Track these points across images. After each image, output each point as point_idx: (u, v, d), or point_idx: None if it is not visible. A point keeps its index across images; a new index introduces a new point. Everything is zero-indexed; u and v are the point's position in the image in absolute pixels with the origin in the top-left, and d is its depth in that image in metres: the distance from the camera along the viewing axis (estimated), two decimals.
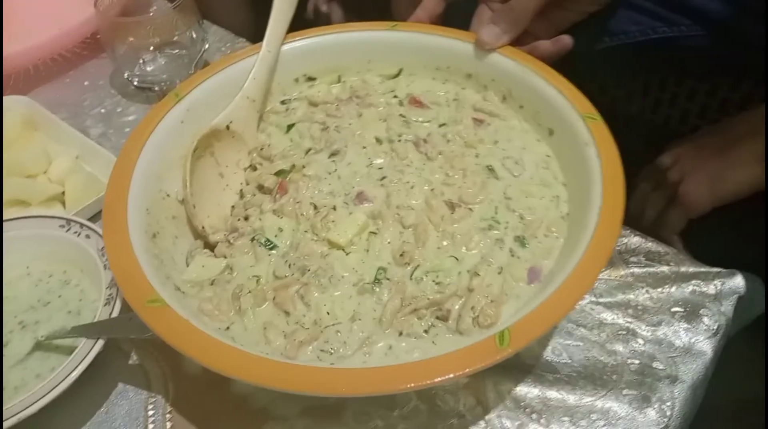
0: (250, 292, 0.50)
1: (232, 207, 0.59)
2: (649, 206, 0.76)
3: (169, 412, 0.53)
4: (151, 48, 0.83)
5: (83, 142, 0.73)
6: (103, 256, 0.56)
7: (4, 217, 0.60)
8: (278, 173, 0.59)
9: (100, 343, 0.50)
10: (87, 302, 0.58)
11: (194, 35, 0.83)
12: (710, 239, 0.68)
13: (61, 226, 0.59)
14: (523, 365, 0.54)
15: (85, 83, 0.87)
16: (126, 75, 0.83)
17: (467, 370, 0.40)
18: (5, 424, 0.46)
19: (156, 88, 0.83)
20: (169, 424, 0.53)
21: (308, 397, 0.52)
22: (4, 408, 0.47)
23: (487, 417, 0.52)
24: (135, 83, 0.83)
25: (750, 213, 0.70)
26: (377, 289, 0.50)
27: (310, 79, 0.69)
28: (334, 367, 0.43)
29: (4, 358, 0.54)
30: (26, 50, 0.84)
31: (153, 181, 0.55)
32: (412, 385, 0.39)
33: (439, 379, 0.39)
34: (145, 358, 0.56)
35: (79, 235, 0.58)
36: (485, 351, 0.41)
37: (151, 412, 0.53)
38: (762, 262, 0.61)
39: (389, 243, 0.53)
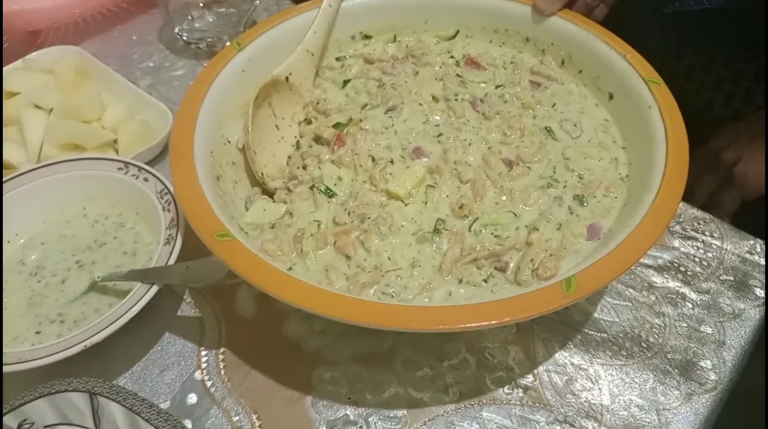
0: (311, 235, 0.50)
1: (288, 157, 0.60)
2: (700, 188, 0.76)
3: (222, 353, 0.54)
4: (201, 5, 0.83)
5: (134, 92, 0.73)
6: (161, 198, 0.57)
7: (61, 159, 0.61)
8: (336, 126, 0.59)
9: (155, 288, 0.50)
10: (142, 244, 0.59)
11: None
12: (758, 218, 0.68)
13: (120, 168, 0.59)
14: (572, 322, 0.54)
15: (134, 37, 0.88)
16: (176, 30, 0.83)
17: (537, 312, 0.40)
18: (71, 351, 0.47)
19: (204, 45, 0.84)
20: (222, 365, 0.53)
21: (359, 343, 0.53)
22: (67, 338, 0.48)
23: (535, 371, 0.52)
24: (184, 38, 0.84)
25: None
26: (437, 239, 0.50)
27: (366, 36, 0.69)
28: (405, 305, 0.44)
29: (63, 294, 0.55)
30: (75, 2, 0.84)
31: (215, 126, 0.56)
32: (486, 323, 0.39)
33: (508, 319, 0.40)
34: (198, 301, 0.57)
35: (137, 177, 0.59)
36: (552, 296, 0.41)
37: (204, 353, 0.54)
38: None
39: (447, 196, 0.53)
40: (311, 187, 0.54)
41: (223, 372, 0.53)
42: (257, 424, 0.50)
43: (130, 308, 0.49)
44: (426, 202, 0.53)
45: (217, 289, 0.58)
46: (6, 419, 0.45)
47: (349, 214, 0.52)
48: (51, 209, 0.60)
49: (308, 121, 0.63)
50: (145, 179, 0.58)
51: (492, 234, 0.50)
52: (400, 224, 0.51)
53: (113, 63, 0.81)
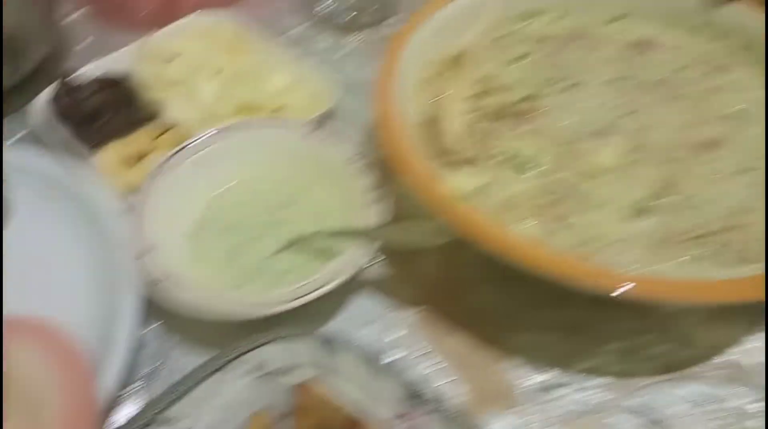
0: (515, 208, 0.52)
1: (467, 126, 0.61)
2: None
3: (418, 314, 0.56)
4: None
5: (291, 61, 0.74)
6: (354, 163, 0.58)
7: (246, 120, 0.62)
8: (518, 101, 0.60)
9: (374, 246, 0.52)
10: (332, 209, 0.60)
11: None
12: None
13: (307, 132, 0.61)
14: None
15: (275, 5, 0.88)
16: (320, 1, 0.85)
17: None
18: (302, 300, 0.49)
19: (346, 18, 0.85)
20: (419, 325, 0.55)
21: (555, 314, 0.55)
22: (298, 286, 0.50)
23: (738, 348, 0.53)
24: (327, 10, 0.85)
25: None
26: (642, 218, 0.51)
27: (534, 13, 0.69)
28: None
29: (260, 250, 0.57)
30: None
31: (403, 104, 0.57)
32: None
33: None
34: (388, 260, 0.59)
35: (325, 142, 0.60)
36: None
37: (399, 313, 0.56)
38: None
39: (643, 177, 0.54)
40: (506, 160, 0.56)
41: (421, 333, 0.55)
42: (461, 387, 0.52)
43: (351, 265, 0.51)
44: (625, 181, 0.54)
45: (410, 251, 0.59)
46: (240, 362, 0.47)
47: (548, 189, 0.53)
48: (236, 169, 0.62)
49: (479, 95, 0.64)
50: (334, 144, 0.60)
51: (697, 213, 0.51)
52: (602, 202, 0.52)
53: (256, 31, 0.82)
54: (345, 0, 0.84)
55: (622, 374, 0.52)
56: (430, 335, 0.54)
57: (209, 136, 0.61)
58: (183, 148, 0.60)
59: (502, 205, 0.52)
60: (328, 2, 0.85)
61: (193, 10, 0.83)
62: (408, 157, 0.50)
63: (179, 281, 0.51)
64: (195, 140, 0.60)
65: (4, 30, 0.66)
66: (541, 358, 0.53)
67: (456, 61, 0.64)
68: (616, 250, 0.50)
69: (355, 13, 0.84)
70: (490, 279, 0.57)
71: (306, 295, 0.50)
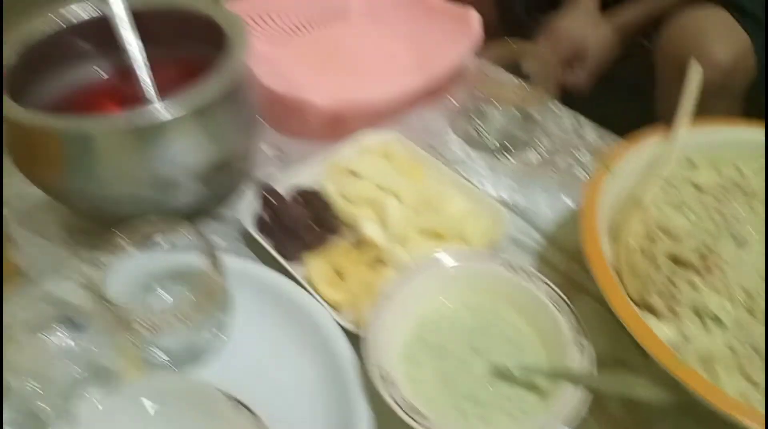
0: (724, 363, 0.59)
1: (654, 272, 0.67)
2: None
3: None
4: (495, 103, 0.93)
5: (461, 183, 0.83)
6: (557, 305, 0.65)
7: (455, 253, 0.70)
8: (699, 251, 0.68)
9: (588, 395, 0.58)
10: (523, 336, 0.67)
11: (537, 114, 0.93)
12: None
13: (509, 269, 0.69)
14: None
15: (428, 125, 0.97)
16: (470, 125, 0.94)
17: None
18: None
19: (498, 144, 0.94)
20: None
21: None
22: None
23: None
24: (483, 135, 0.94)
25: None
26: None
27: (690, 162, 0.78)
28: None
29: (470, 376, 0.64)
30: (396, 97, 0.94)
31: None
32: None
33: None
34: None
35: (528, 281, 0.68)
36: None
37: None
38: None
39: None
40: (695, 312, 0.63)
41: None
42: None
43: (567, 411, 0.57)
44: None
45: None
46: None
47: (742, 343, 0.60)
48: (436, 294, 0.69)
49: (653, 240, 0.71)
50: (536, 285, 0.68)
51: None
52: None
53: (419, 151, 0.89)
54: (493, 124, 0.93)
55: None
56: None
57: (423, 265, 0.69)
58: (401, 279, 0.67)
59: (709, 357, 0.59)
60: (478, 124, 0.94)
61: (358, 127, 0.92)
62: (625, 305, 0.57)
63: (413, 411, 0.58)
64: (410, 271, 0.68)
65: (231, 152, 0.74)
66: None
67: (635, 205, 0.72)
68: None
69: (503, 138, 0.93)
70: (671, 416, 0.63)
71: None
